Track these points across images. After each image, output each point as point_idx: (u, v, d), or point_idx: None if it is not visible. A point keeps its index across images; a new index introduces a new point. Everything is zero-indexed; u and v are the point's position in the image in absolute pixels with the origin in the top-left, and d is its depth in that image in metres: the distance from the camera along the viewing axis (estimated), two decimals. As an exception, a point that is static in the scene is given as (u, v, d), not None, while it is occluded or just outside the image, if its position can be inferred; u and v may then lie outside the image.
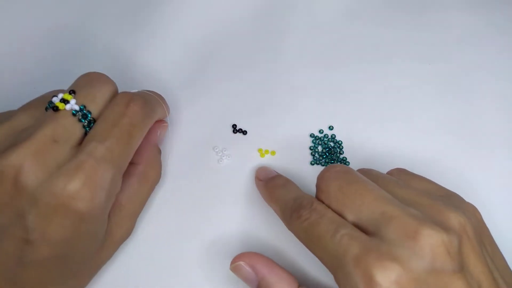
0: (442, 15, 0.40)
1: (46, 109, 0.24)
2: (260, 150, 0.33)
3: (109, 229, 0.25)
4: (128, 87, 0.36)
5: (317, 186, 0.24)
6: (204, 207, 0.31)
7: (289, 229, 0.24)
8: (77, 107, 0.24)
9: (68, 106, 0.23)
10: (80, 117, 0.24)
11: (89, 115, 0.24)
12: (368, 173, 0.25)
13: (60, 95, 0.24)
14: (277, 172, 0.30)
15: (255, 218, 0.30)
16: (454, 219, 0.21)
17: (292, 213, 0.23)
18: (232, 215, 0.30)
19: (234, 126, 0.34)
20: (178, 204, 0.31)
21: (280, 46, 0.38)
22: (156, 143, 0.30)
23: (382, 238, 0.20)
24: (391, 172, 0.27)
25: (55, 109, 0.23)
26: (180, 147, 0.33)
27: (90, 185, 0.22)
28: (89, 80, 0.25)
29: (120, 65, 0.37)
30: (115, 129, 0.24)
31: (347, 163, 0.32)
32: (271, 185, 0.28)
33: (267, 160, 0.32)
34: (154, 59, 0.37)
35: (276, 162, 0.32)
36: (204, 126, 0.34)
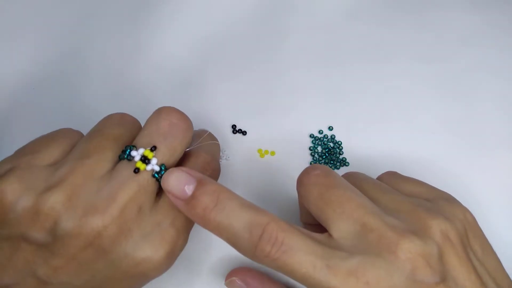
0: (442, 15, 0.40)
1: (120, 157, 0.22)
2: (259, 150, 0.33)
3: None
4: (128, 87, 0.36)
5: (297, 190, 0.23)
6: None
7: (257, 262, 0.21)
8: (157, 168, 0.22)
9: (149, 167, 0.22)
10: (159, 178, 0.22)
11: (164, 171, 0.22)
12: (353, 177, 0.25)
13: (141, 151, 0.22)
14: (192, 173, 0.21)
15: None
16: (436, 226, 0.20)
17: (255, 249, 0.20)
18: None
19: (233, 126, 0.34)
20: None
21: (280, 46, 0.38)
22: None
23: (364, 253, 0.19)
24: (381, 177, 0.27)
25: (137, 171, 0.21)
26: (180, 147, 0.33)
27: (172, 256, 0.22)
28: (171, 128, 0.23)
29: (120, 65, 0.37)
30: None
31: (347, 164, 0.33)
32: (199, 210, 0.21)
33: (267, 161, 0.32)
34: (154, 59, 0.37)
35: (276, 163, 0.32)
36: (204, 126, 0.34)
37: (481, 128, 0.34)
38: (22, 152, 0.23)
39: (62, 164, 0.22)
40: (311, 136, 0.33)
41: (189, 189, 0.21)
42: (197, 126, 0.34)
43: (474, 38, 0.39)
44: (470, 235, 0.22)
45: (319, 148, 0.33)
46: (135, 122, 0.25)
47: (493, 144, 0.34)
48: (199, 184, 0.21)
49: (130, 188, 0.21)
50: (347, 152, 0.33)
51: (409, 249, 0.19)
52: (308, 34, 0.38)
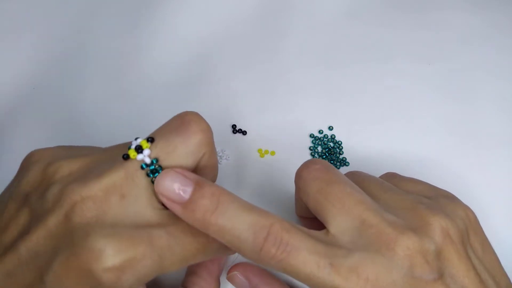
0: (442, 15, 0.40)
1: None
2: (260, 150, 0.33)
3: None
4: (129, 87, 0.36)
5: (296, 184, 0.23)
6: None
7: (260, 264, 0.20)
8: (148, 160, 0.20)
9: (139, 157, 0.20)
10: (148, 172, 0.21)
11: (160, 170, 0.21)
12: (355, 175, 0.25)
13: (139, 140, 0.21)
14: (188, 175, 0.20)
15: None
16: (435, 223, 0.21)
17: (260, 251, 0.19)
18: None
19: (234, 126, 0.34)
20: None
21: (280, 46, 0.38)
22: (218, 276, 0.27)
23: (363, 250, 0.20)
24: (381, 178, 0.27)
25: (125, 157, 0.20)
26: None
27: (127, 270, 0.19)
28: (179, 126, 0.21)
29: (120, 65, 0.37)
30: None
31: (347, 163, 0.32)
32: (199, 214, 0.20)
33: (267, 160, 0.32)
34: (154, 59, 0.37)
35: (276, 162, 0.32)
36: (204, 126, 0.34)
37: (481, 128, 0.34)
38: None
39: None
40: (311, 136, 0.33)
41: (186, 193, 0.20)
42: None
43: (474, 38, 0.39)
44: (470, 233, 0.22)
45: (319, 148, 0.33)
46: None
47: (493, 144, 0.34)
48: (197, 186, 0.20)
49: (117, 173, 0.20)
50: (347, 152, 0.33)
51: (407, 246, 0.19)
52: (308, 34, 0.39)
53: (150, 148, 0.21)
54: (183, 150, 0.21)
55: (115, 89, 0.36)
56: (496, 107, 0.35)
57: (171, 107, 0.35)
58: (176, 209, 0.20)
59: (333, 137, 0.33)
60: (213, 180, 0.25)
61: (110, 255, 0.18)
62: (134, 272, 0.19)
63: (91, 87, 0.35)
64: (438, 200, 0.23)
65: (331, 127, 0.34)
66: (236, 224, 0.19)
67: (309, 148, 0.33)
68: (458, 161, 0.33)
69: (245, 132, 0.33)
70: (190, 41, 0.38)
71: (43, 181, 0.21)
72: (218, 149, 0.33)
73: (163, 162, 0.21)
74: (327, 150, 0.33)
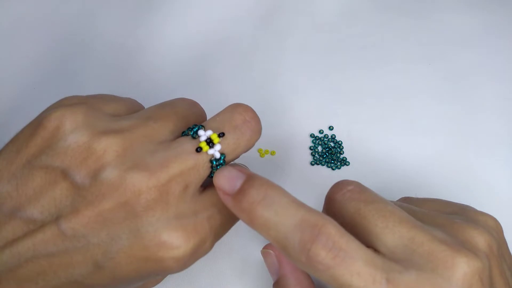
0: (442, 15, 0.40)
1: (184, 133, 0.22)
2: (260, 150, 0.33)
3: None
4: (129, 87, 0.36)
5: (328, 207, 0.22)
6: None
7: (304, 269, 0.19)
8: (218, 156, 0.21)
9: (211, 151, 0.21)
10: (214, 166, 0.21)
11: (223, 164, 0.21)
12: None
13: (209, 133, 0.21)
14: (243, 170, 0.21)
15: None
16: (480, 237, 0.20)
17: (307, 252, 0.18)
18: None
19: (234, 126, 0.34)
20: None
21: (280, 46, 0.38)
22: None
23: (418, 269, 0.18)
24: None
25: (199, 150, 0.20)
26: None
27: (195, 255, 0.20)
28: (243, 124, 0.22)
29: (120, 65, 0.37)
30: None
31: (347, 163, 0.32)
32: (246, 204, 0.19)
33: (267, 160, 0.32)
34: (154, 59, 0.37)
35: (276, 162, 0.32)
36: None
37: (481, 127, 0.34)
38: (92, 96, 0.23)
39: (126, 118, 0.21)
40: (312, 135, 0.33)
41: (237, 184, 0.20)
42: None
43: (474, 38, 0.39)
44: (500, 243, 0.21)
45: (320, 148, 0.33)
46: (203, 112, 0.24)
47: (493, 144, 0.34)
48: (248, 178, 0.20)
49: (186, 162, 0.20)
50: (348, 151, 0.33)
51: (467, 265, 0.18)
52: (308, 33, 0.39)
53: (220, 142, 0.21)
54: (243, 148, 0.22)
55: (115, 89, 0.35)
56: (497, 107, 0.35)
57: (171, 107, 0.35)
58: (228, 201, 0.20)
59: (333, 137, 0.33)
60: None
61: (181, 247, 0.19)
62: (197, 255, 0.20)
63: (91, 87, 0.35)
64: (466, 214, 0.22)
65: (331, 127, 0.34)
66: (282, 218, 0.18)
67: (310, 148, 0.33)
68: (458, 161, 0.33)
69: (246, 132, 0.33)
70: (190, 41, 0.38)
71: (89, 159, 0.19)
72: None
73: (227, 159, 0.21)
74: (328, 150, 0.33)
